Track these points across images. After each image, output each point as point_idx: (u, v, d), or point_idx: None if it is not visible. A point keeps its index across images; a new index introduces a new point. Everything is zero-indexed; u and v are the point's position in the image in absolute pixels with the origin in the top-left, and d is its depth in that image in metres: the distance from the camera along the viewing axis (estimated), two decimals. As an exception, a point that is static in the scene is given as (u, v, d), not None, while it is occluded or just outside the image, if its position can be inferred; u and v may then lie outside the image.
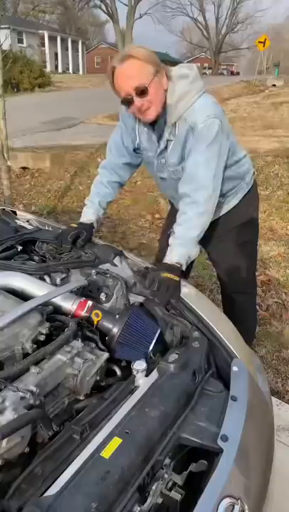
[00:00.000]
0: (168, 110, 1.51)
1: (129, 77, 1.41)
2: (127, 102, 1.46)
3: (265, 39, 18.89)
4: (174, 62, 1.58)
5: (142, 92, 1.42)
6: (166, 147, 1.59)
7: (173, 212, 2.03)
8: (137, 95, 1.43)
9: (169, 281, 1.37)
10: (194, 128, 1.48)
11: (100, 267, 1.45)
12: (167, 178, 1.70)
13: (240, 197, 1.83)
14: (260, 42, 19.12)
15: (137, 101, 1.44)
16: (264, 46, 19.00)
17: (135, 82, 1.41)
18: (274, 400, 1.97)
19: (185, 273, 2.13)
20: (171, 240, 1.54)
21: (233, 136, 1.69)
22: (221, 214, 1.84)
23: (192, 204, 1.53)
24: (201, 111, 1.48)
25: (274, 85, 18.59)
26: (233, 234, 1.89)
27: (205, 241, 1.97)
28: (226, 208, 1.83)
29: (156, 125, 1.57)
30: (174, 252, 1.50)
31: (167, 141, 1.57)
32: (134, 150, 1.75)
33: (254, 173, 1.90)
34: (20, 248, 1.53)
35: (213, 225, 1.86)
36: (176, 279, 1.40)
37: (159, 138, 1.60)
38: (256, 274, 2.19)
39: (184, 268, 1.49)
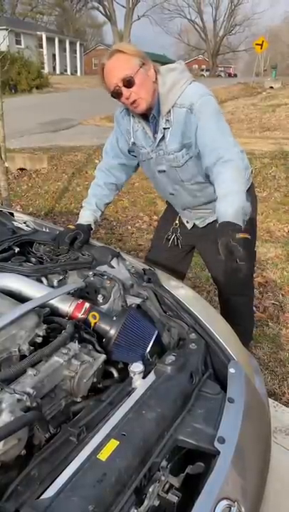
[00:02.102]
0: (161, 99, 1.55)
1: (116, 70, 1.49)
2: (116, 93, 1.51)
3: (263, 41, 18.94)
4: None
5: (128, 82, 1.48)
6: (163, 136, 1.61)
7: (169, 212, 2.03)
8: (124, 86, 1.49)
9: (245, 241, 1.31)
10: (192, 108, 1.52)
11: (98, 268, 1.45)
12: (167, 170, 1.70)
13: None
14: (257, 44, 19.15)
15: (125, 91, 1.50)
16: (261, 48, 19.04)
17: (121, 73, 1.47)
18: (271, 401, 1.98)
19: (182, 272, 2.13)
20: (217, 204, 1.44)
21: None
22: None
23: (225, 163, 1.48)
24: (195, 92, 1.53)
25: (271, 87, 18.65)
26: None
27: (202, 242, 1.98)
28: None
29: (150, 117, 1.60)
30: (227, 210, 1.38)
31: (164, 129, 1.59)
32: (129, 152, 1.78)
33: (252, 171, 1.89)
34: (17, 250, 1.53)
35: (212, 225, 1.86)
36: (247, 236, 1.32)
37: (155, 130, 1.62)
38: (254, 275, 2.19)
39: (240, 223, 1.36)
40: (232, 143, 1.53)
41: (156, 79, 1.54)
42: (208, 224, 1.87)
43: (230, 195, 1.41)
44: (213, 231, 1.86)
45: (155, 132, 1.62)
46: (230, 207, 1.38)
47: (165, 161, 1.67)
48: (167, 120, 1.57)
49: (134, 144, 1.71)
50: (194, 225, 1.90)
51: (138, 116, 1.64)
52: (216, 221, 1.83)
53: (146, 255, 2.20)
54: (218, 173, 1.48)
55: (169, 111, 1.55)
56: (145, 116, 1.62)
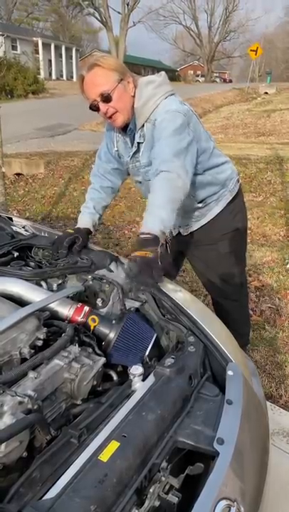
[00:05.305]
0: (136, 114, 1.58)
1: (94, 85, 1.51)
2: (94, 107, 1.54)
3: (257, 47, 19.12)
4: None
5: (106, 98, 1.51)
6: (138, 150, 1.64)
7: None
8: (101, 101, 1.52)
9: (142, 260, 1.22)
10: (155, 123, 1.54)
11: (96, 272, 1.46)
12: (142, 181, 1.75)
13: (223, 205, 1.81)
14: (252, 50, 19.35)
15: (102, 107, 1.53)
16: (256, 54, 19.22)
17: (99, 89, 1.50)
18: (268, 404, 1.99)
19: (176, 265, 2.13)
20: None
21: (212, 141, 1.73)
22: (205, 222, 1.84)
23: (159, 174, 1.43)
24: (163, 108, 1.54)
25: (266, 93, 18.82)
26: (217, 245, 1.87)
27: (189, 249, 1.99)
28: (209, 215, 1.83)
29: (127, 130, 1.64)
30: (144, 222, 1.35)
31: (138, 143, 1.63)
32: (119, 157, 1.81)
33: (238, 180, 1.86)
34: (16, 254, 1.54)
35: (197, 234, 1.88)
36: (149, 254, 1.23)
37: (132, 142, 1.66)
38: (247, 280, 2.18)
39: (160, 235, 1.31)
40: (173, 156, 1.44)
41: (134, 93, 1.56)
42: (192, 232, 1.88)
43: (149, 211, 1.38)
44: (200, 238, 1.89)
45: (132, 145, 1.66)
46: (146, 225, 1.34)
47: (140, 173, 1.71)
48: (141, 135, 1.60)
49: (116, 151, 1.77)
50: (179, 232, 1.92)
51: (118, 128, 1.68)
52: (199, 229, 1.86)
53: None
54: (151, 183, 1.46)
55: (143, 125, 1.58)
56: (123, 128, 1.65)
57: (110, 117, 1.56)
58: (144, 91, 1.56)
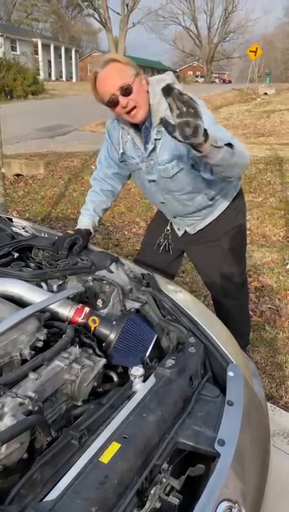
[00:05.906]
0: (152, 110, 1.56)
1: (112, 78, 1.49)
2: (112, 102, 1.51)
3: (257, 48, 19.12)
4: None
5: (126, 90, 1.48)
6: (154, 147, 1.62)
7: (160, 217, 2.04)
8: (121, 94, 1.49)
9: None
10: None
11: (97, 273, 1.46)
12: (157, 180, 1.72)
13: (229, 201, 1.84)
14: (251, 51, 19.34)
15: (122, 100, 1.50)
16: (255, 55, 19.22)
17: (119, 82, 1.48)
18: (269, 405, 1.98)
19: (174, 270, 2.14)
20: None
21: None
22: (212, 220, 1.86)
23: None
24: None
25: (266, 94, 18.84)
26: (221, 241, 1.90)
27: (192, 247, 1.99)
28: (217, 212, 1.85)
29: (142, 127, 1.61)
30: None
31: (155, 140, 1.61)
32: (121, 161, 1.80)
33: (240, 177, 1.90)
34: (16, 255, 1.53)
35: (203, 231, 1.89)
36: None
37: (146, 140, 1.63)
38: (247, 280, 2.19)
39: (205, 140, 1.19)
40: (231, 138, 1.39)
41: (148, 90, 1.55)
42: (199, 230, 1.90)
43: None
44: (203, 235, 1.89)
45: (146, 143, 1.64)
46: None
47: (156, 171, 1.68)
48: (158, 131, 1.58)
49: (123, 154, 1.74)
50: (185, 231, 1.92)
51: (128, 128, 1.66)
52: (206, 227, 1.87)
53: (136, 257, 2.21)
54: None
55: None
56: (136, 126, 1.63)
57: (129, 112, 1.53)
58: (157, 88, 1.54)
